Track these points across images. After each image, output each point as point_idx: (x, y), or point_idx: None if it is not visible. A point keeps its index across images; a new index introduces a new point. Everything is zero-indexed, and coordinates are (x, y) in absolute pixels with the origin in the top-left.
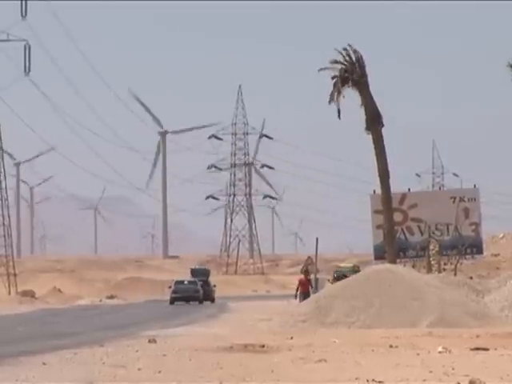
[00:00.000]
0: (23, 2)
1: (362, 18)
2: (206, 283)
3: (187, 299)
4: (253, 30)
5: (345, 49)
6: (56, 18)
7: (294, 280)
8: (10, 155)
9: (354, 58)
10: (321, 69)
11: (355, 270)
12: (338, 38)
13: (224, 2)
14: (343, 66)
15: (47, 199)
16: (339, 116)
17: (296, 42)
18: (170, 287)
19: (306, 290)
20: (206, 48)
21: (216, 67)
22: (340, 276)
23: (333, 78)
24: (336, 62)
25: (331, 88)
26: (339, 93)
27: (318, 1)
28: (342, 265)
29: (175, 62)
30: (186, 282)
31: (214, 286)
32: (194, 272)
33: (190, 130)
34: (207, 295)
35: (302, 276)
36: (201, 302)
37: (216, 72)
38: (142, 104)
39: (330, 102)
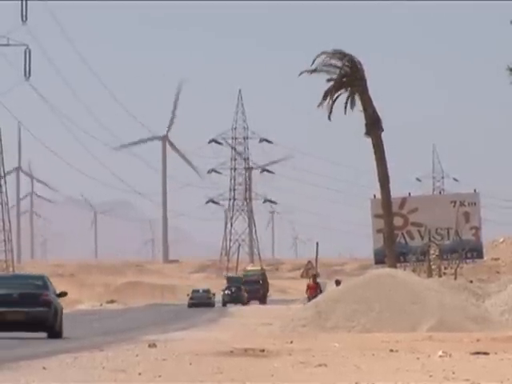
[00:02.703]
0: (23, 2)
1: (361, 19)
2: (239, 289)
3: (202, 305)
4: (253, 33)
5: (340, 52)
6: (53, 19)
7: (294, 285)
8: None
9: (350, 63)
10: (312, 71)
11: (262, 272)
12: (337, 39)
13: (225, 3)
14: (342, 71)
15: (31, 194)
16: (330, 117)
17: (296, 44)
18: (188, 295)
19: (313, 293)
20: (206, 51)
21: (215, 71)
22: (248, 279)
23: (328, 80)
24: (331, 65)
25: (330, 91)
26: (334, 97)
27: (316, 1)
28: (249, 268)
29: (174, 64)
30: (200, 291)
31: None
32: (229, 279)
33: (175, 107)
34: (240, 299)
35: (311, 281)
36: (212, 306)
37: (215, 76)
38: (128, 145)
39: (331, 106)
